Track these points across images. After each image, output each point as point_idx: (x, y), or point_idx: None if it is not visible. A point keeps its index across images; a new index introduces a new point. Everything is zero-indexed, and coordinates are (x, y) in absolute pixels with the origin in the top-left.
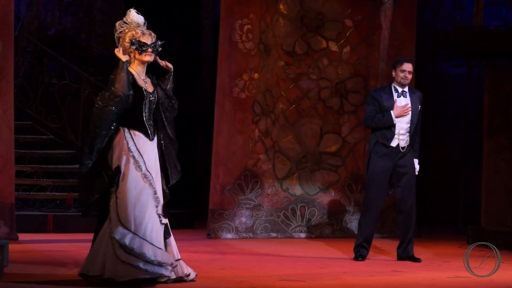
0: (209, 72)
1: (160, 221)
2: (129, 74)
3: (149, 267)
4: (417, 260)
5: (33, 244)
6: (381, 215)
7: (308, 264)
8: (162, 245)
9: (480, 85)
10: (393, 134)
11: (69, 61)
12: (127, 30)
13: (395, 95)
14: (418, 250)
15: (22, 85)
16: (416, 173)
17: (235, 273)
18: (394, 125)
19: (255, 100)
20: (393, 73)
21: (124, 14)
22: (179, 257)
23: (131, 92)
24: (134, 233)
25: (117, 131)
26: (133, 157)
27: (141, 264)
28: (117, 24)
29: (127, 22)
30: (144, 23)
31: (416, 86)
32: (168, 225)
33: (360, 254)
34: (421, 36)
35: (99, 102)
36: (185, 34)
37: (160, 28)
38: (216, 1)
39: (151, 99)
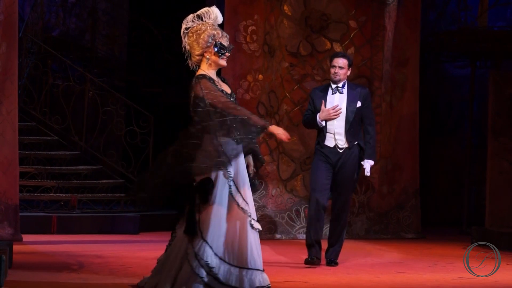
0: None
1: (252, 227)
2: (213, 81)
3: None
4: (332, 263)
5: (37, 245)
6: (385, 216)
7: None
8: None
9: (485, 86)
10: (325, 135)
11: (73, 62)
12: (206, 27)
13: (329, 92)
14: (422, 251)
15: (26, 86)
16: (368, 173)
17: None
18: (324, 127)
19: (260, 101)
20: None
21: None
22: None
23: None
24: (221, 259)
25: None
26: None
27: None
28: (189, 17)
29: (204, 18)
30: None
31: (420, 87)
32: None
33: (312, 257)
34: (426, 37)
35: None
36: None
37: (164, 28)
38: (220, 2)
39: (232, 100)
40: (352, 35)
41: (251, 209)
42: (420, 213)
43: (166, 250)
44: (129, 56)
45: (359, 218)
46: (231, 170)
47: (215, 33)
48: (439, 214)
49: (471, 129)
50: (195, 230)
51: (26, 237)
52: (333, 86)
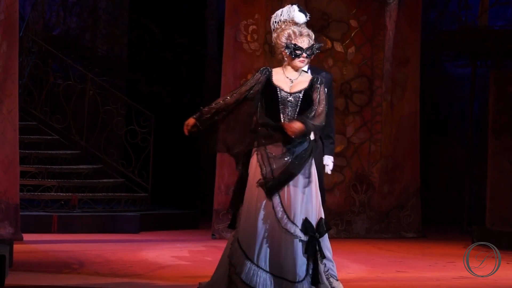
0: (213, 72)
1: (294, 236)
2: (266, 72)
3: None
4: None
5: (38, 245)
6: (385, 215)
7: None
8: (283, 269)
9: (485, 86)
10: None
11: (74, 62)
12: (284, 27)
13: None
14: (423, 251)
15: (27, 85)
16: (329, 171)
17: None
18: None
19: None
20: None
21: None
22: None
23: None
24: (252, 261)
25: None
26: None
27: None
28: (277, 12)
29: (284, 16)
30: (304, 22)
31: (421, 86)
32: (318, 244)
33: None
34: (426, 37)
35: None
36: (190, 34)
37: (165, 27)
38: (220, 1)
39: (288, 99)
40: (352, 34)
41: (292, 210)
42: (420, 213)
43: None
44: (129, 55)
45: (359, 218)
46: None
47: (291, 32)
48: (439, 213)
49: (472, 128)
50: (233, 224)
51: (26, 236)
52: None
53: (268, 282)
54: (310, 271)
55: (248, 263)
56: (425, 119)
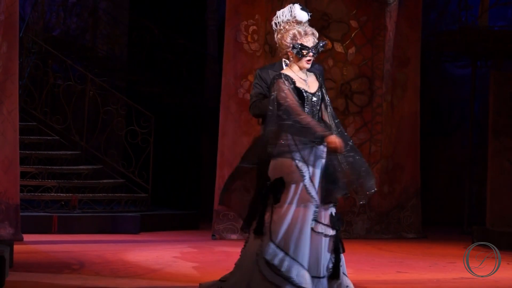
0: (214, 73)
1: (322, 234)
2: (289, 79)
3: None
4: None
5: (38, 245)
6: (386, 216)
7: None
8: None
9: (485, 86)
10: None
11: (74, 62)
12: (288, 27)
13: None
14: (423, 251)
15: (27, 86)
16: None
17: None
18: None
19: None
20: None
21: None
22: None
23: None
24: (286, 253)
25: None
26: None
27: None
28: (278, 12)
29: (287, 16)
30: (307, 21)
31: (421, 87)
32: (340, 238)
33: None
34: (426, 37)
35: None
36: (190, 35)
37: (165, 28)
38: (221, 2)
39: (313, 100)
40: (353, 35)
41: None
42: (421, 213)
43: (241, 252)
44: (129, 55)
45: (359, 218)
46: (305, 172)
47: (296, 33)
48: (440, 213)
49: (472, 128)
50: (262, 230)
51: (27, 237)
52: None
53: (307, 277)
54: (331, 265)
55: (288, 258)
56: (425, 119)
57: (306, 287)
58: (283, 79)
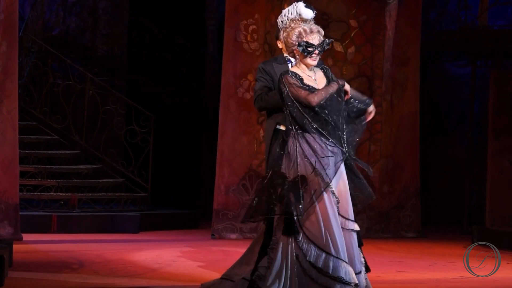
0: (213, 72)
1: (353, 231)
2: (296, 75)
3: None
4: None
5: (37, 245)
6: (385, 215)
7: None
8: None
9: (485, 86)
10: None
11: (74, 61)
12: (293, 25)
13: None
14: (422, 251)
15: (27, 85)
16: None
17: None
18: None
19: None
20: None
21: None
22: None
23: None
24: (328, 253)
25: (289, 134)
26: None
27: (338, 287)
28: (284, 11)
29: (292, 14)
30: (312, 18)
31: (421, 86)
32: (359, 233)
33: None
34: (426, 37)
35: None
36: (190, 34)
37: (165, 27)
38: (220, 1)
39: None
40: (352, 34)
41: (344, 206)
42: (420, 212)
43: (268, 254)
44: (129, 55)
45: (359, 217)
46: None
47: (302, 30)
48: (439, 213)
49: (472, 128)
50: (295, 229)
51: (26, 236)
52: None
53: (352, 274)
54: (363, 260)
55: (332, 258)
56: (425, 119)
57: (356, 282)
58: (291, 75)
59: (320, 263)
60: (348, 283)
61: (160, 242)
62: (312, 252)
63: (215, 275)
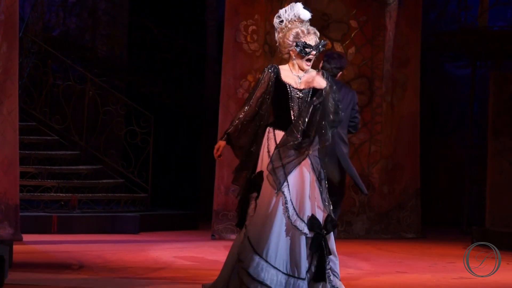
0: (213, 73)
1: (302, 233)
2: (274, 70)
3: None
4: None
5: (38, 245)
6: (385, 216)
7: None
8: (290, 265)
9: (485, 86)
10: None
11: (74, 62)
12: (290, 26)
13: None
14: (422, 251)
15: (27, 86)
16: None
17: None
18: None
19: None
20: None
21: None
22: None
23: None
24: (260, 256)
25: (264, 130)
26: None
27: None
28: (280, 11)
29: (290, 15)
30: (308, 20)
31: (421, 87)
32: (324, 240)
33: None
34: (426, 37)
35: None
36: (190, 35)
37: (165, 28)
38: (220, 2)
39: (299, 96)
40: (352, 35)
41: (301, 206)
42: (420, 213)
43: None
44: (129, 56)
45: (359, 218)
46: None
47: (299, 31)
48: (439, 214)
49: (472, 129)
50: (242, 223)
51: (26, 237)
52: None
53: (275, 278)
54: (313, 268)
55: (257, 258)
56: (425, 119)
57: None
58: (268, 69)
59: (249, 264)
60: (268, 286)
61: (160, 242)
62: (246, 251)
63: (216, 276)
